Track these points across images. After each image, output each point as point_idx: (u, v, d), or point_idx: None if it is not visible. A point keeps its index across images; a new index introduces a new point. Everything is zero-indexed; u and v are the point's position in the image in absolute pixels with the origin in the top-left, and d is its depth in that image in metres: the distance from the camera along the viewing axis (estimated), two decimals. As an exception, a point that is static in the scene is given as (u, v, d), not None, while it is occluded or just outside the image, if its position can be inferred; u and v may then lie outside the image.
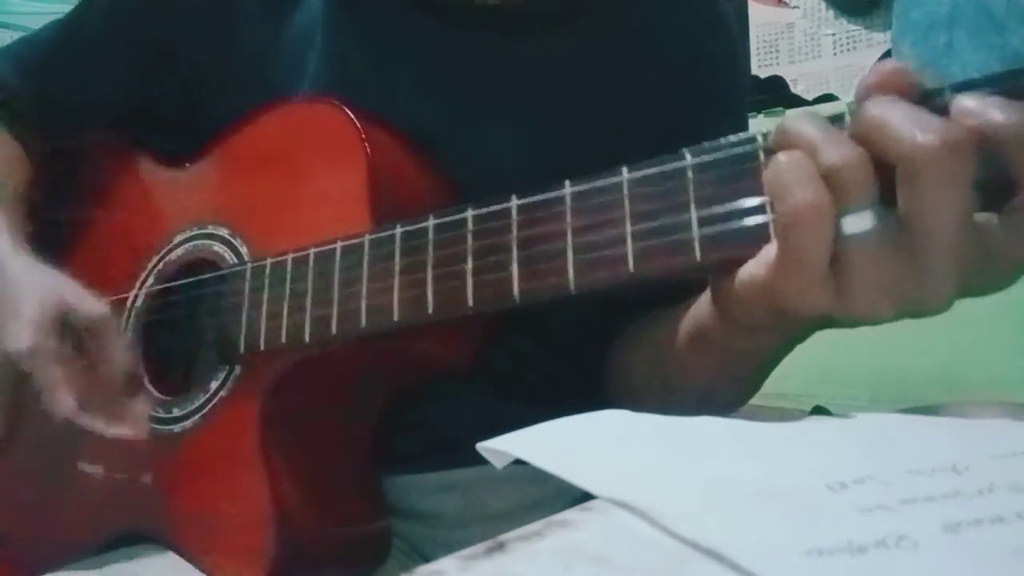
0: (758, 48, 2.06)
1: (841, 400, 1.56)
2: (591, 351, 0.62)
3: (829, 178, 0.32)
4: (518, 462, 0.30)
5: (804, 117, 0.34)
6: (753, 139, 0.36)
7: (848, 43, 1.98)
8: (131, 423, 0.54)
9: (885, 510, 0.24)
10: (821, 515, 0.24)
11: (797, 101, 2.00)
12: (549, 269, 0.41)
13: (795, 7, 2.05)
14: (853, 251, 0.32)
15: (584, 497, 0.26)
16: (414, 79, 0.60)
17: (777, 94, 2.00)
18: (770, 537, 0.23)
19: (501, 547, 0.24)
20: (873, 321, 0.34)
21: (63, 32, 0.70)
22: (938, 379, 1.42)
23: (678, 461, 0.29)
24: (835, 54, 2.00)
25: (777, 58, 2.07)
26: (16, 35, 2.00)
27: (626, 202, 0.39)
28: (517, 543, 0.24)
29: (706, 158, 0.37)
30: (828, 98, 1.96)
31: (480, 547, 0.24)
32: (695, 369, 0.49)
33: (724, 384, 0.50)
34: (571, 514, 0.26)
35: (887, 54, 1.81)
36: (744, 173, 0.36)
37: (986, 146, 0.31)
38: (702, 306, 0.45)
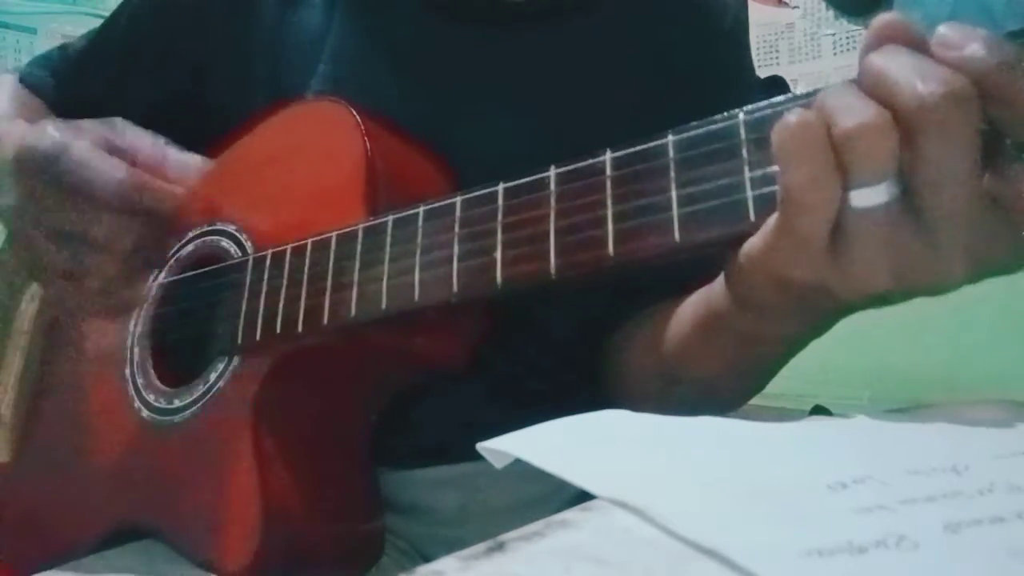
0: (758, 48, 2.06)
1: (841, 400, 1.56)
2: (589, 353, 0.62)
3: (843, 146, 0.30)
4: (518, 459, 0.30)
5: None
6: (736, 115, 0.36)
7: (848, 43, 1.98)
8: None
9: (885, 510, 0.24)
10: (821, 515, 0.24)
11: (797, 101, 2.00)
12: (532, 253, 0.41)
13: (795, 7, 2.05)
14: (857, 224, 0.30)
15: (584, 494, 0.26)
16: (423, 77, 0.61)
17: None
18: (770, 537, 0.23)
19: (501, 547, 0.24)
20: (875, 295, 0.32)
21: (91, 42, 0.73)
22: (938, 379, 1.42)
23: (678, 461, 0.29)
24: (835, 54, 2.00)
25: (777, 58, 2.06)
26: (16, 35, 2.00)
27: (608, 183, 0.39)
28: (517, 543, 0.24)
29: (688, 135, 0.37)
30: (828, 98, 1.96)
31: (480, 547, 0.24)
32: (700, 359, 0.49)
33: (727, 378, 0.49)
34: (571, 514, 0.26)
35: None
36: (726, 150, 0.36)
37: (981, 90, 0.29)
38: (714, 288, 0.44)
